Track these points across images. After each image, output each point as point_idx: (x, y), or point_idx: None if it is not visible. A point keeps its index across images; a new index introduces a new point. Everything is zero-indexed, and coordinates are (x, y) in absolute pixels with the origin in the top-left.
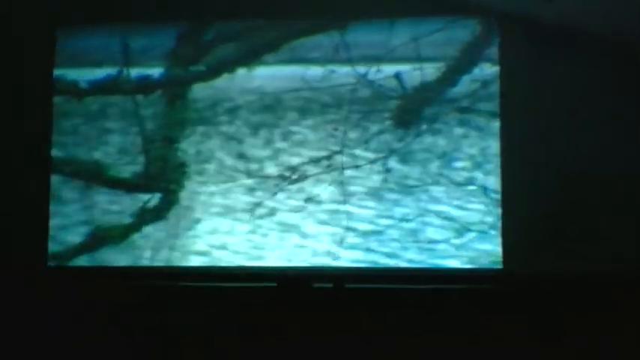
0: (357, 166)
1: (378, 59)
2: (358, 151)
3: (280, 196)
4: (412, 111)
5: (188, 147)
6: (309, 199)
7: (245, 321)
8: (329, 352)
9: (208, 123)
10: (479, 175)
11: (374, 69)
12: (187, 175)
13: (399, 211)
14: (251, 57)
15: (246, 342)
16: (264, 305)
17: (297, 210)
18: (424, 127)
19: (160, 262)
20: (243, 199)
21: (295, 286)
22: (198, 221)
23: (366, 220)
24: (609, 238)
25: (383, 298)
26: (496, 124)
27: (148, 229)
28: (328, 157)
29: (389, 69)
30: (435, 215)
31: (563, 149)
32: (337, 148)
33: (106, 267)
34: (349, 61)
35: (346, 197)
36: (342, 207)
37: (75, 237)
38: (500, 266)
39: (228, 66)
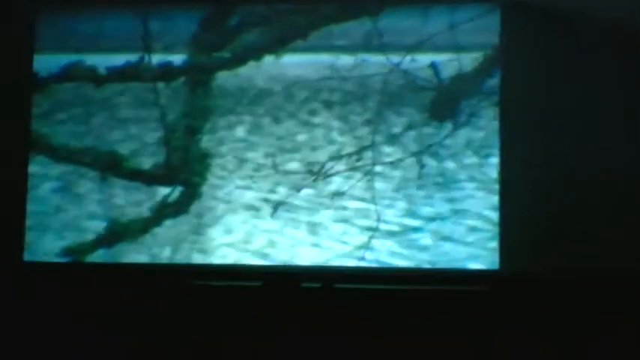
0: (387, 162)
1: (412, 48)
2: (389, 146)
3: (305, 191)
4: (448, 103)
5: (211, 138)
6: (335, 196)
7: (229, 320)
8: (316, 353)
9: (233, 113)
10: None
11: (408, 58)
12: (210, 168)
13: (431, 210)
14: (278, 44)
15: (228, 342)
16: (248, 305)
17: (323, 207)
18: (461, 120)
19: (180, 259)
20: (266, 195)
21: (282, 286)
22: (220, 216)
23: (396, 219)
24: (609, 239)
25: (373, 298)
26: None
27: (167, 224)
28: (357, 152)
29: (424, 58)
30: (470, 215)
31: (565, 150)
32: (367, 142)
33: (83, 263)
34: (382, 49)
35: (375, 195)
36: (370, 205)
37: (90, 231)
38: (497, 267)
39: (254, 53)
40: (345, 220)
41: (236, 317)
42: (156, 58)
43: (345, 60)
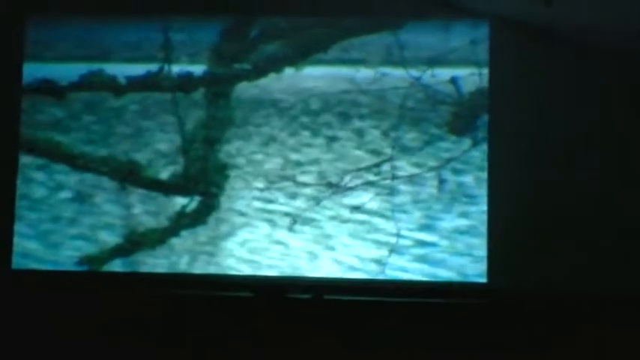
0: (406, 176)
1: (433, 62)
2: (408, 160)
3: (324, 203)
4: (467, 118)
5: (230, 149)
6: (354, 209)
7: (220, 330)
8: None
9: (252, 124)
10: None
11: (428, 72)
12: (228, 179)
13: (451, 224)
14: (299, 56)
15: (220, 351)
16: (239, 315)
17: (341, 220)
18: (480, 135)
19: (197, 269)
20: (284, 207)
21: (272, 297)
22: (237, 227)
23: (414, 232)
24: (598, 252)
25: (363, 309)
26: None
27: (185, 234)
28: (377, 165)
29: (444, 73)
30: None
31: (555, 161)
32: (386, 156)
33: (67, 272)
34: (402, 63)
35: (394, 208)
36: (389, 219)
37: (108, 240)
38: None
39: (275, 65)
40: (361, 234)
41: (228, 326)
42: (176, 69)
43: (365, 73)
